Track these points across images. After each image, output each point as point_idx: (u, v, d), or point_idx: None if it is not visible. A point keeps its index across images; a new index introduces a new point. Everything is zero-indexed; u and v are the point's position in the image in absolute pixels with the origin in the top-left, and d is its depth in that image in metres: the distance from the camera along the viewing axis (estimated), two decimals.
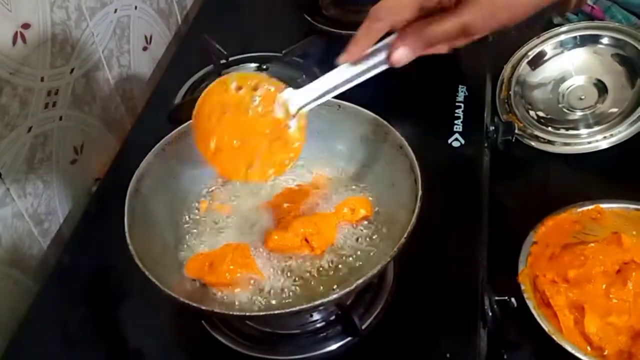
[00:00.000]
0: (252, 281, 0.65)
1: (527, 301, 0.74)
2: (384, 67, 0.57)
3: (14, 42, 0.74)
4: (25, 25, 0.76)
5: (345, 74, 0.59)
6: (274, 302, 0.64)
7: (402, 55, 0.55)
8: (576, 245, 0.80)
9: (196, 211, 0.73)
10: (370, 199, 0.72)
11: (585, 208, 0.84)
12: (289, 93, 0.61)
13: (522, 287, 0.74)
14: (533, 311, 0.73)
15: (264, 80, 0.62)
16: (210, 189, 0.75)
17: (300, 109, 0.61)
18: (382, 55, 0.56)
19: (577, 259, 0.78)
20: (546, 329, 0.71)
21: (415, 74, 0.98)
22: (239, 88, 0.62)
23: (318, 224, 0.69)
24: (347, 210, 0.70)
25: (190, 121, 0.73)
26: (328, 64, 1.02)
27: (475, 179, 0.85)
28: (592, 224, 0.83)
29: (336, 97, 0.76)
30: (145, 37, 1.08)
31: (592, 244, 0.79)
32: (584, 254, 0.78)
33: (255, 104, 0.62)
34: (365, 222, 0.71)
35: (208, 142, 0.62)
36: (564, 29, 1.05)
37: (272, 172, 0.63)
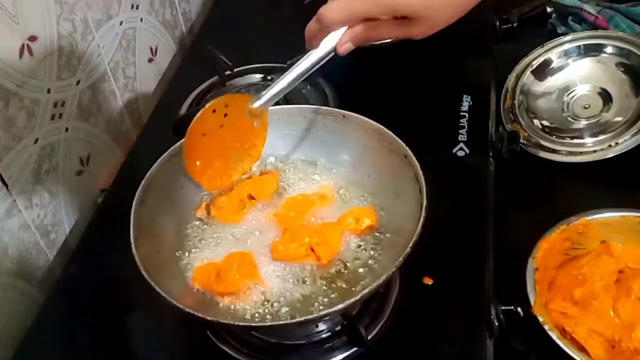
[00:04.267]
0: (257, 291, 0.65)
1: (550, 333, 0.72)
2: (329, 57, 0.64)
3: (21, 54, 0.74)
4: (32, 38, 0.76)
5: (295, 70, 0.66)
6: (279, 312, 0.64)
7: (349, 49, 0.63)
8: (570, 263, 0.81)
9: (201, 221, 0.73)
10: (375, 208, 0.72)
11: (572, 223, 0.84)
12: (253, 99, 0.69)
13: (541, 320, 0.73)
14: (559, 342, 0.72)
15: (231, 96, 0.70)
16: (215, 199, 0.75)
17: (262, 105, 0.69)
18: (329, 47, 0.64)
19: (575, 278, 0.78)
20: (578, 359, 0.70)
21: (419, 84, 0.99)
22: (213, 111, 0.68)
23: (323, 233, 0.69)
24: (352, 220, 0.70)
25: None
26: (332, 75, 1.03)
27: (480, 188, 0.85)
28: (580, 238, 0.83)
29: (341, 107, 0.78)
30: (151, 49, 1.09)
31: (586, 258, 0.80)
32: (581, 273, 0.79)
33: (226, 118, 0.69)
34: (371, 232, 0.70)
35: (194, 162, 0.70)
36: (568, 38, 1.05)
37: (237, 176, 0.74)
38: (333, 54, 0.64)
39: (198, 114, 0.67)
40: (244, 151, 0.73)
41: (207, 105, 0.67)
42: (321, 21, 0.61)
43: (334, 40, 0.63)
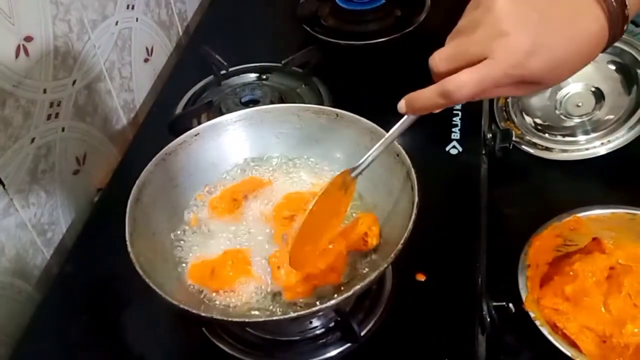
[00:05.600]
0: (252, 287, 0.66)
1: (541, 328, 0.73)
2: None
3: (17, 55, 0.75)
4: (28, 38, 0.77)
5: (392, 135, 0.63)
6: (273, 308, 0.64)
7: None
8: (562, 260, 0.82)
9: (197, 219, 0.74)
10: (368, 207, 0.73)
11: (564, 220, 0.84)
12: (353, 170, 0.66)
13: (532, 316, 0.74)
14: (550, 337, 0.72)
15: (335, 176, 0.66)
16: (210, 197, 0.76)
17: (357, 174, 0.66)
18: None
19: (567, 275, 0.79)
20: (570, 354, 0.71)
21: (413, 83, 0.99)
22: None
23: (336, 268, 0.67)
24: (360, 240, 0.68)
25: (190, 130, 0.75)
26: (327, 74, 1.04)
27: (473, 185, 0.86)
28: (572, 234, 0.84)
29: (334, 106, 0.78)
30: (147, 49, 1.09)
31: (577, 255, 0.81)
32: (572, 269, 0.79)
33: (324, 196, 0.64)
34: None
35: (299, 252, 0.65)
36: None
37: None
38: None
39: (316, 199, 0.63)
40: (329, 221, 0.68)
41: (321, 192, 0.64)
42: (450, 98, 0.54)
43: None
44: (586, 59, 0.54)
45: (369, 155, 0.65)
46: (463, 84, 0.52)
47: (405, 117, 0.60)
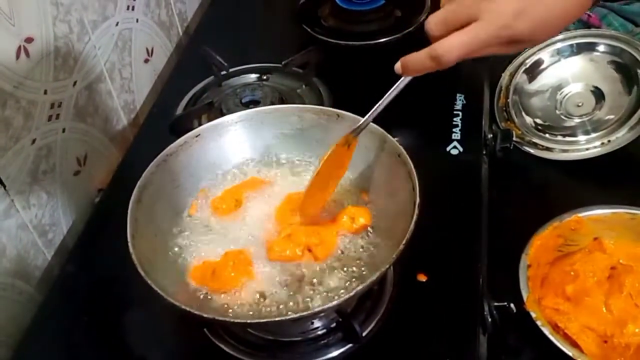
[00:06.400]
0: (253, 288, 0.66)
1: (542, 328, 0.73)
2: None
3: (18, 56, 0.75)
4: (29, 39, 0.77)
5: (390, 96, 0.65)
6: (275, 309, 0.64)
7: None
8: (563, 260, 0.82)
9: (198, 220, 0.74)
10: (369, 206, 0.73)
11: (564, 220, 0.85)
12: (355, 129, 0.69)
13: (533, 316, 0.74)
14: (551, 337, 0.73)
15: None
16: (211, 198, 0.76)
17: (357, 133, 0.69)
18: None
19: (568, 275, 0.80)
20: (571, 354, 0.71)
21: (413, 83, 0.99)
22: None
23: (320, 233, 0.70)
24: (347, 219, 0.70)
25: (191, 131, 0.75)
26: (327, 74, 1.04)
27: (474, 186, 0.86)
28: (573, 235, 0.84)
29: (335, 106, 0.78)
30: (147, 50, 1.09)
31: (578, 255, 0.81)
32: (573, 269, 0.80)
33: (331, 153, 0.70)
34: (365, 230, 0.71)
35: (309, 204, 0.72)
36: (560, 37, 1.05)
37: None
38: None
39: (322, 162, 0.69)
40: (334, 172, 0.72)
41: (326, 156, 0.69)
42: (439, 61, 0.56)
43: None
44: (572, 16, 0.56)
45: (368, 116, 0.67)
46: (451, 48, 0.55)
47: (402, 78, 0.62)
